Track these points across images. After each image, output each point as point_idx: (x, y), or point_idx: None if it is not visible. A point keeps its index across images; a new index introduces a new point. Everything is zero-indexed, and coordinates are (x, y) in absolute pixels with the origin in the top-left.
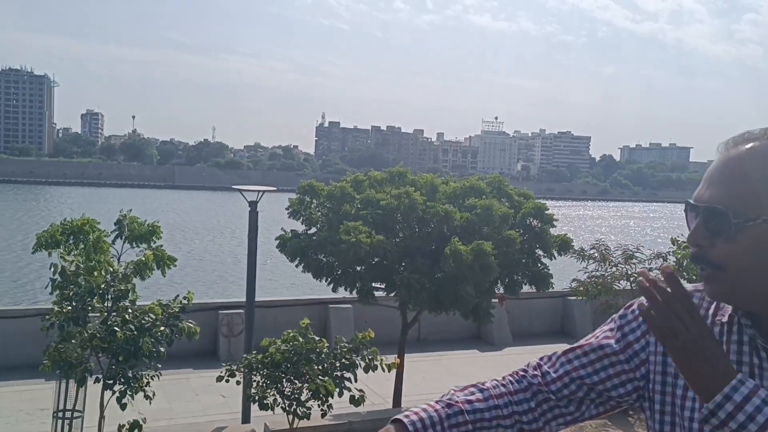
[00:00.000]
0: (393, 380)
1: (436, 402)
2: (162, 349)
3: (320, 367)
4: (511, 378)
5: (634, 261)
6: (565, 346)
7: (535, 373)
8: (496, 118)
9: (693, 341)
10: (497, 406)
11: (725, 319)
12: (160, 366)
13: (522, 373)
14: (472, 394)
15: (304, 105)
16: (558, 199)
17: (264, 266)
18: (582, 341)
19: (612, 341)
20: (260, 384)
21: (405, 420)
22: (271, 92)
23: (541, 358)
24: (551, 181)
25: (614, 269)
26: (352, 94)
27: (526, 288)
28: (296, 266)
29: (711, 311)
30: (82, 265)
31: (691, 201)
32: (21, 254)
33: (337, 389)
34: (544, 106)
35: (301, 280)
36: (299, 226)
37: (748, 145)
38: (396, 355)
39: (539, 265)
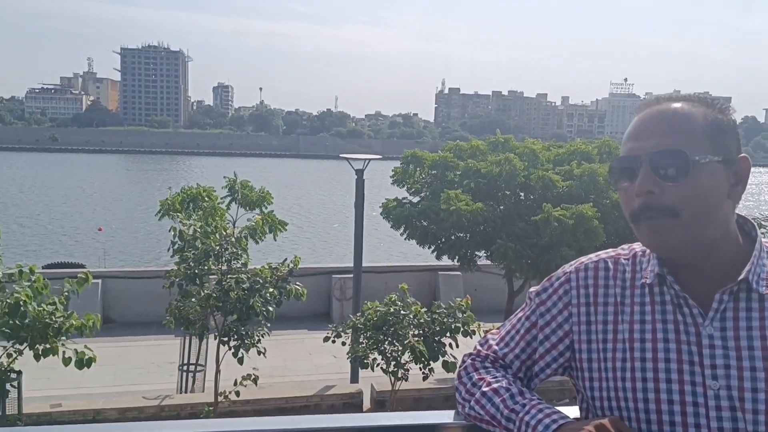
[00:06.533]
0: None
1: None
2: (271, 309)
3: (419, 331)
4: (508, 377)
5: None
6: None
7: (499, 361)
8: (626, 79)
9: None
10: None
11: (650, 280)
12: (269, 325)
13: (502, 368)
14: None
15: (424, 72)
16: None
17: (385, 233)
18: (507, 323)
19: (536, 317)
20: (364, 345)
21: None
22: (391, 60)
23: (483, 345)
24: None
25: None
26: (473, 59)
27: None
28: (400, 234)
29: (629, 275)
30: (199, 230)
31: (626, 155)
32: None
33: (435, 353)
34: (679, 66)
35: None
36: (405, 194)
37: (686, 103)
38: (494, 324)
39: None
